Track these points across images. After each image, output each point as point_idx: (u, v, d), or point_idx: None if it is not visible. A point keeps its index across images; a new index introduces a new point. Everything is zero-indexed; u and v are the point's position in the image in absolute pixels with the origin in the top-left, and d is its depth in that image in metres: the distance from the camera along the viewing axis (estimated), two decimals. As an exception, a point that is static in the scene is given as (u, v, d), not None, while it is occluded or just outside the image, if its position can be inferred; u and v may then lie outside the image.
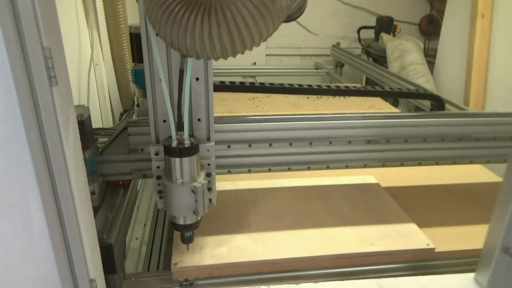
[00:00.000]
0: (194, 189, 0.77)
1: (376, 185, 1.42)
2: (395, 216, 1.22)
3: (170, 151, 0.77)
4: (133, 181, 1.08)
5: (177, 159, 0.77)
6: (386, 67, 2.34)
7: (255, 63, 3.25)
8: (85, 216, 0.58)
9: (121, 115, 1.89)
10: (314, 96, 1.97)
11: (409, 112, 1.53)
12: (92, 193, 0.92)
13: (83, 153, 0.69)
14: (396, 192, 1.25)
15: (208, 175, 0.86)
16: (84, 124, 0.87)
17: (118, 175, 0.98)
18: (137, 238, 1.43)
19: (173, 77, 0.76)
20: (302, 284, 0.88)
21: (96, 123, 1.48)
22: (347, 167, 1.13)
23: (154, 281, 0.96)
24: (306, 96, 1.94)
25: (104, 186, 0.97)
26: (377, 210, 1.17)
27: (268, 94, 2.06)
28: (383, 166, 1.13)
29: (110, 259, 0.85)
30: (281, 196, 1.22)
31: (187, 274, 0.92)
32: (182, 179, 0.78)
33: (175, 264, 0.91)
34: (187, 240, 0.89)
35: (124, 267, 0.97)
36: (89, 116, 0.89)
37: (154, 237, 1.43)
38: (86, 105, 0.97)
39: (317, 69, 2.90)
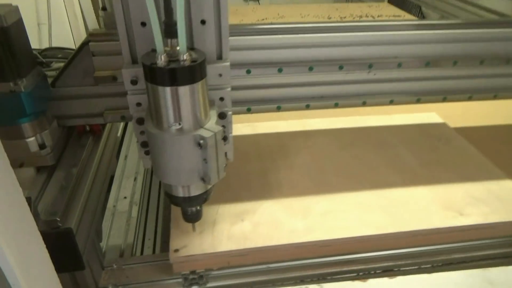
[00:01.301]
0: (202, 141, 0.55)
1: (443, 126, 1.15)
2: (483, 170, 0.95)
3: (156, 75, 0.53)
4: (109, 125, 0.90)
5: (169, 89, 0.53)
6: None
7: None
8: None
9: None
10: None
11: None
12: (41, 146, 0.70)
13: (15, 83, 0.60)
14: (465, 135, 1.06)
15: (222, 116, 0.64)
16: (8, 34, 0.61)
17: (83, 117, 0.76)
18: (125, 197, 1.25)
19: None
20: (370, 280, 0.71)
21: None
22: (418, 101, 0.88)
23: (146, 270, 0.80)
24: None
25: (62, 135, 0.76)
26: (456, 163, 0.96)
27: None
28: (444, 100, 0.88)
29: (71, 251, 0.64)
30: (319, 143, 1.04)
31: (193, 265, 0.75)
32: (180, 124, 0.55)
33: (175, 251, 0.73)
34: (192, 218, 0.70)
35: (100, 253, 0.80)
36: (20, 22, 0.64)
37: (150, 195, 1.27)
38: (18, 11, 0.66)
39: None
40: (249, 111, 0.82)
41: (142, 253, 1.07)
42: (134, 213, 1.21)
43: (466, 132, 1.10)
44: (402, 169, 0.94)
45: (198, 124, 0.56)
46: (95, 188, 0.76)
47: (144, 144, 0.65)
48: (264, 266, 0.79)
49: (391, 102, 0.88)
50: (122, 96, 0.70)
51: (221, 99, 0.63)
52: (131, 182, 1.32)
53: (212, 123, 0.58)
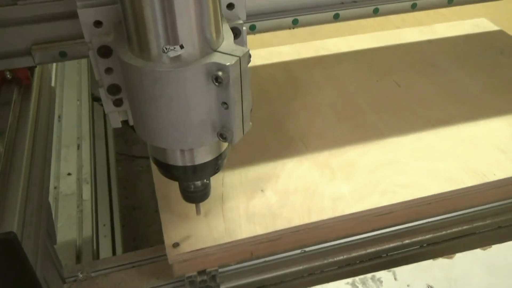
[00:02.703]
0: (221, 74, 0.51)
1: (501, 34, 1.12)
2: None
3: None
4: (39, 69, 0.85)
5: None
6: None
7: None
8: None
9: None
10: None
11: None
12: None
13: None
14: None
15: (235, 31, 0.59)
16: None
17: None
18: (69, 174, 1.21)
19: None
20: (458, 254, 0.67)
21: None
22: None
23: (131, 276, 0.76)
24: None
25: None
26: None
27: None
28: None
29: (16, 266, 0.58)
30: (344, 72, 1.02)
31: (201, 263, 0.73)
32: (181, 47, 0.50)
33: (175, 246, 0.69)
34: (197, 197, 0.68)
35: (57, 261, 0.76)
36: None
37: (109, 166, 1.33)
38: None
39: None
40: (252, 30, 0.79)
41: (113, 250, 1.04)
42: (87, 194, 1.16)
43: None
44: (462, 98, 0.94)
45: (209, 46, 0.51)
46: (35, 167, 0.70)
47: (113, 89, 0.60)
48: (298, 251, 0.77)
49: (450, 3, 0.86)
50: (63, 18, 0.68)
51: (230, 6, 0.58)
52: (74, 151, 1.28)
53: (230, 43, 0.52)
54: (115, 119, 0.64)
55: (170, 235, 0.70)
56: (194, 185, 0.66)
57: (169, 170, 0.62)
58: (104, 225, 1.18)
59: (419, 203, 0.75)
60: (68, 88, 1.49)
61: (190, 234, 0.70)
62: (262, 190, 0.76)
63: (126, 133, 1.81)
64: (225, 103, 0.53)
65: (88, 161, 1.26)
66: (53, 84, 1.07)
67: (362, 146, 0.83)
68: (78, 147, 1.28)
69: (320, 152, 0.83)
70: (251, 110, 0.58)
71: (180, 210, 0.72)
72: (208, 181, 0.67)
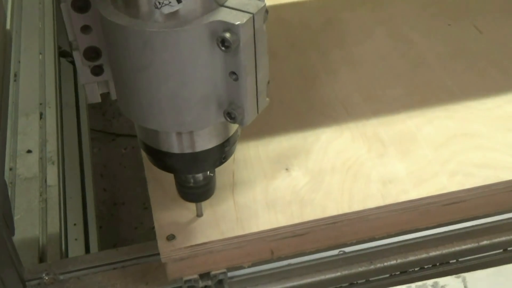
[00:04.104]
0: (229, 36, 0.54)
1: None
2: None
3: None
4: None
5: None
6: None
7: None
8: None
9: None
10: None
11: None
12: None
13: None
14: None
15: None
16: None
17: None
18: (29, 151, 1.24)
19: None
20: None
21: None
22: None
23: (110, 279, 0.81)
24: None
25: None
26: None
27: None
28: None
29: None
30: (399, 12, 1.07)
31: (204, 263, 0.77)
32: (180, 2, 0.54)
33: (169, 238, 0.74)
34: (198, 195, 0.74)
35: (15, 257, 0.81)
36: None
37: (81, 142, 1.37)
38: None
39: None
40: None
41: (87, 248, 1.09)
42: (52, 179, 1.19)
43: None
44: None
45: (214, 0, 0.55)
46: None
47: (91, 54, 0.63)
48: (334, 252, 0.80)
49: None
50: None
51: None
52: (35, 122, 1.30)
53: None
54: (93, 92, 0.67)
55: (163, 224, 0.73)
56: (194, 178, 0.69)
57: (162, 159, 0.66)
58: (75, 224, 1.23)
59: (502, 189, 0.78)
60: (27, 37, 1.52)
61: (190, 224, 0.74)
62: (287, 169, 0.79)
63: (105, 102, 1.86)
64: (234, 73, 0.56)
65: (53, 135, 1.29)
66: (8, 25, 1.11)
67: (425, 112, 0.86)
68: (41, 116, 1.31)
69: (367, 120, 0.86)
70: (268, 82, 0.61)
71: (176, 194, 0.74)
72: (212, 174, 0.71)
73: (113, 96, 0.69)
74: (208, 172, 0.72)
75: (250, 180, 0.79)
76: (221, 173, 0.81)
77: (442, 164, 0.79)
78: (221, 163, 0.70)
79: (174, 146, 0.65)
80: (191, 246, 0.72)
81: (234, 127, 0.67)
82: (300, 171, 0.79)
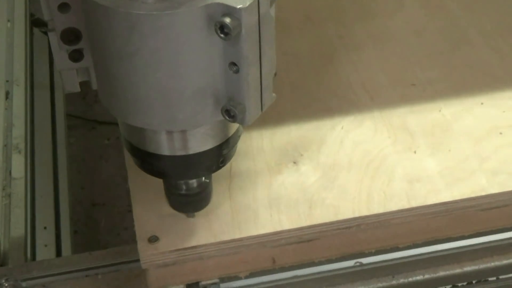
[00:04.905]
0: (229, 21, 0.55)
1: None
2: None
3: None
4: None
5: None
6: None
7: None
8: None
9: None
10: None
11: None
12: None
13: None
14: None
15: None
16: None
17: None
18: None
19: None
20: None
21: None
22: None
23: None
24: None
25: None
26: None
27: None
28: None
29: None
30: None
31: (192, 270, 0.78)
32: None
33: (151, 240, 0.75)
34: (192, 204, 0.76)
35: None
36: None
37: (55, 129, 1.41)
38: None
39: None
40: None
41: (58, 251, 1.11)
42: (18, 170, 1.22)
43: None
44: None
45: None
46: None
47: (69, 36, 0.64)
48: (350, 263, 0.81)
49: None
50: None
51: None
52: (0, 101, 1.33)
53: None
54: (71, 80, 0.68)
55: (145, 223, 0.75)
56: (187, 185, 0.72)
57: (149, 162, 0.68)
58: (45, 228, 1.26)
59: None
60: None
61: (177, 224, 0.75)
62: (294, 162, 0.81)
63: (86, 83, 1.89)
64: (234, 64, 0.57)
65: (22, 119, 1.32)
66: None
67: (463, 99, 0.89)
68: (7, 95, 1.34)
69: (394, 108, 0.88)
70: (275, 74, 0.63)
71: (161, 187, 0.76)
72: (207, 180, 0.73)
73: (94, 85, 0.70)
74: (203, 178, 0.73)
75: (251, 174, 0.81)
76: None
77: (482, 161, 0.80)
78: (218, 168, 0.71)
79: (164, 147, 0.67)
80: (178, 250, 0.74)
81: (234, 126, 0.68)
82: (311, 165, 0.81)
